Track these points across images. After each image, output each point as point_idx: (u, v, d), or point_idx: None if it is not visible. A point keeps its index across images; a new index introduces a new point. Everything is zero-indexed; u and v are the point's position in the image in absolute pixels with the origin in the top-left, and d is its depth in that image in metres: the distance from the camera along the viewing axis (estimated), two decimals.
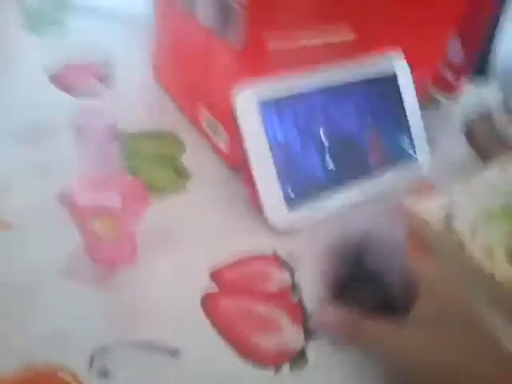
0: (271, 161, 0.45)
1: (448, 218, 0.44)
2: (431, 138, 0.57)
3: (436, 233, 0.44)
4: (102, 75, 0.68)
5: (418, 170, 0.55)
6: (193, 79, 0.55)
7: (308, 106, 0.48)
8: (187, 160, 0.54)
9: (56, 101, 0.62)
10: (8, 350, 0.34)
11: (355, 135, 0.51)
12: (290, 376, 0.35)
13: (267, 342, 0.37)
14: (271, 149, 0.45)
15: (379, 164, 0.52)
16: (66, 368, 0.34)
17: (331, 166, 0.48)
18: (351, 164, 0.50)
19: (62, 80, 0.66)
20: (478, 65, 0.69)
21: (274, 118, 0.46)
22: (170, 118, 0.61)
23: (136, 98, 0.65)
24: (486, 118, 0.65)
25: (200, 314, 0.38)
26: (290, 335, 0.37)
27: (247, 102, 0.45)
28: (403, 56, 0.54)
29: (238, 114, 0.44)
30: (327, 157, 0.48)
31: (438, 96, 0.71)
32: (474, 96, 0.71)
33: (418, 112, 0.55)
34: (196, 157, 0.55)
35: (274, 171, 0.45)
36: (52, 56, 0.71)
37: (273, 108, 0.46)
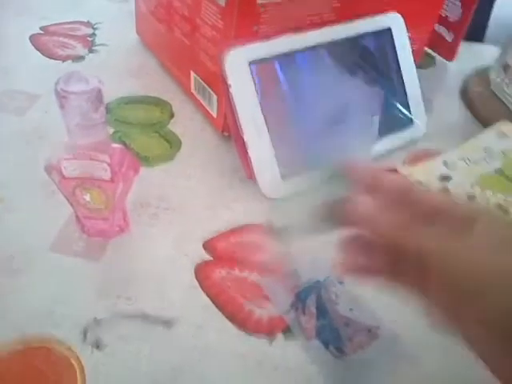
0: (264, 126, 0.43)
1: (443, 180, 0.44)
2: (427, 100, 0.55)
3: None
4: (84, 37, 0.65)
5: (414, 132, 0.54)
6: (180, 40, 0.53)
7: (301, 65, 0.46)
8: (175, 126, 0.53)
9: (38, 65, 0.59)
10: (0, 325, 0.34)
11: (349, 97, 0.49)
12: (284, 345, 0.35)
13: (261, 311, 0.36)
14: (264, 113, 0.43)
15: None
16: (60, 341, 0.33)
17: (326, 132, 0.47)
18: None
19: (42, 43, 0.63)
20: (475, 22, 0.66)
21: (266, 79, 0.44)
22: (156, 83, 0.59)
23: (120, 61, 0.62)
24: (482, 77, 0.64)
25: (194, 283, 0.38)
26: (284, 305, 0.37)
27: (237, 62, 0.42)
28: (398, 12, 0.52)
29: (227, 75, 0.42)
30: (321, 123, 0.47)
31: (433, 56, 0.69)
32: (470, 56, 0.70)
33: (414, 70, 0.53)
34: (185, 123, 0.53)
35: (268, 137, 0.44)
36: (30, 16, 0.68)
37: (264, 68, 0.43)
